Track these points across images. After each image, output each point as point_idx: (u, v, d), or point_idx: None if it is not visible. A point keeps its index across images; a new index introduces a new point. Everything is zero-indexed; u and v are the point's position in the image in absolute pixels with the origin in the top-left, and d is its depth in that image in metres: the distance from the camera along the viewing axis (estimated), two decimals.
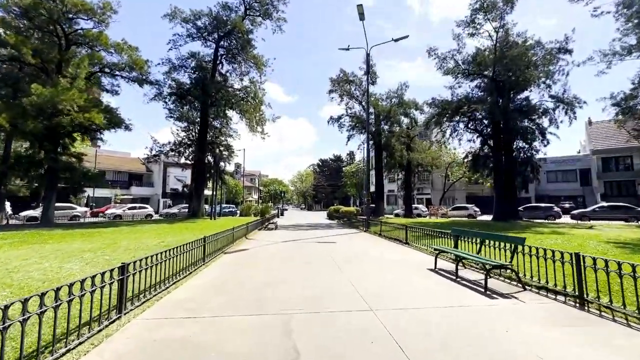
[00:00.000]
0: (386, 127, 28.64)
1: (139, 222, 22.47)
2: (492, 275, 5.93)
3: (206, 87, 24.11)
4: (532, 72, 22.80)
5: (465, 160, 26.16)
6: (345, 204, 77.29)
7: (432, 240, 9.87)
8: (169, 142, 29.74)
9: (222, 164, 29.15)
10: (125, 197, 50.88)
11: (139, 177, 55.35)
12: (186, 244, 6.58)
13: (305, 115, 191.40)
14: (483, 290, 5.08)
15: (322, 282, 5.87)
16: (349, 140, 29.48)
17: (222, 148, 29.37)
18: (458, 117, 24.43)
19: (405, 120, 29.14)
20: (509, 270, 5.60)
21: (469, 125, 24.38)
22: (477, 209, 36.18)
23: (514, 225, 19.17)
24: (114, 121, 19.33)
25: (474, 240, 6.90)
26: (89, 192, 45.61)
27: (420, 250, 9.97)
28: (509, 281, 5.61)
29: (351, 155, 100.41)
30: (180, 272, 6.04)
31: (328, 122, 29.36)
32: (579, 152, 57.81)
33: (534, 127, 23.94)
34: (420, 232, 11.24)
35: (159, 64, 24.93)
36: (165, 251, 5.54)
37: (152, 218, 33.42)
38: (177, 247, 6.07)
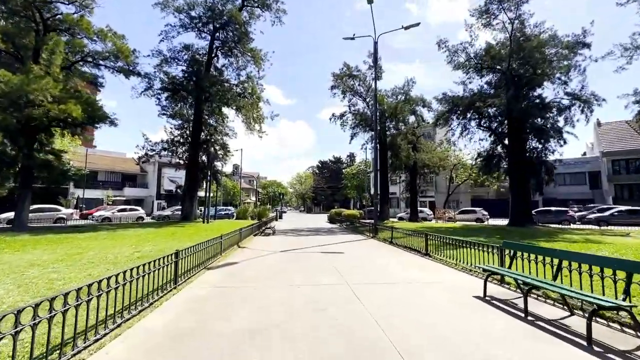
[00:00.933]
0: (391, 125, 26.86)
1: (124, 226, 20.65)
2: (575, 310, 4.19)
3: (200, 81, 22.39)
4: (549, 67, 21.20)
5: (477, 160, 24.45)
6: (345, 206, 75.50)
7: (458, 252, 8.14)
8: (162, 141, 27.98)
9: (217, 163, 27.35)
10: (118, 198, 49.06)
11: (132, 178, 53.54)
12: (150, 263, 4.81)
13: (304, 118, 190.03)
14: (585, 343, 3.32)
15: (335, 322, 4.11)
16: (352, 138, 27.87)
17: (217, 147, 27.60)
18: (469, 114, 22.75)
19: (411, 119, 27.41)
20: (622, 313, 3.84)
21: (482, 123, 22.69)
22: (485, 213, 34.47)
23: (535, 232, 17.44)
24: (96, 115, 17.55)
25: (537, 259, 5.12)
26: (78, 193, 43.90)
27: (447, 265, 8.21)
28: (617, 327, 3.82)
29: (351, 156, 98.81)
30: (129, 309, 4.19)
31: (330, 119, 27.82)
32: (585, 154, 56.32)
33: (549, 125, 22.29)
34: (439, 240, 9.52)
35: (148, 55, 23.24)
36: (117, 274, 3.78)
37: (144, 221, 31.67)
38: (138, 267, 4.32)
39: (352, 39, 17.77)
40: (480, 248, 7.29)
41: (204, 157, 26.60)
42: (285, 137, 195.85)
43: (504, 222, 30.04)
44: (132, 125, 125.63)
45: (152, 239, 12.69)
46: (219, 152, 27.38)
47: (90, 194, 45.70)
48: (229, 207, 43.37)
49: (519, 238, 13.73)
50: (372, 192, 63.50)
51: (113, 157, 55.61)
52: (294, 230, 21.05)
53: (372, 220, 30.07)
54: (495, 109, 20.12)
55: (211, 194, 48.03)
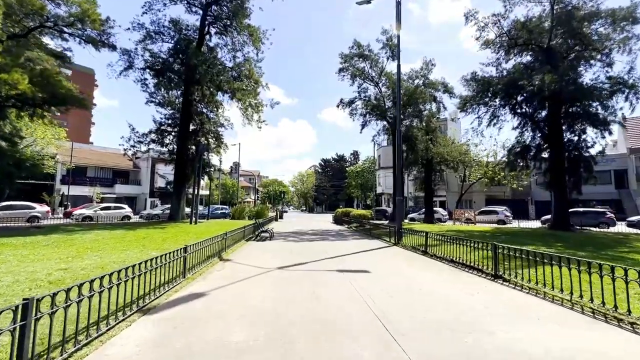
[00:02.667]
0: (408, 113, 23.44)
1: (99, 227, 17.49)
2: None
3: (188, 58, 19.19)
4: (599, 43, 17.89)
5: (510, 152, 21.12)
6: (349, 206, 72.23)
7: (538, 270, 4.97)
8: (150, 132, 24.82)
9: (208, 155, 24.19)
10: (108, 195, 46.03)
11: (124, 175, 50.48)
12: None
13: (306, 117, 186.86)
14: None
15: None
16: (363, 127, 24.54)
17: (210, 138, 24.42)
18: (500, 99, 19.40)
19: (429, 107, 23.97)
20: None
21: (516, 109, 19.36)
22: (508, 213, 31.13)
23: (588, 238, 14.10)
24: (58, 93, 14.37)
25: None
26: (63, 189, 40.87)
27: (550, 300, 4.98)
28: None
29: (355, 154, 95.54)
30: None
31: (338, 106, 24.49)
32: (603, 152, 52.82)
33: (591, 112, 18.94)
34: (505, 251, 6.36)
35: (128, 28, 19.99)
36: None
37: (130, 220, 28.62)
38: None
39: (369, 2, 14.53)
40: (596, 271, 4.08)
41: (194, 150, 23.41)
42: (286, 137, 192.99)
43: (529, 224, 26.73)
44: (134, 125, 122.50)
45: (105, 248, 9.47)
46: (211, 144, 24.19)
47: (78, 190, 42.65)
48: (224, 206, 40.22)
49: (593, 248, 10.47)
50: (378, 190, 60.31)
51: (104, 153, 52.57)
52: (296, 233, 17.84)
53: (383, 222, 27.08)
54: (533, 91, 16.79)
55: (206, 192, 44.69)
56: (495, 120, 20.96)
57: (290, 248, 11.00)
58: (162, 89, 24.66)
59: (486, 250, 7.19)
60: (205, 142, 22.71)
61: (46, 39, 15.80)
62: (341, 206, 49.19)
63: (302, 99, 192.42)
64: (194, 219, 19.69)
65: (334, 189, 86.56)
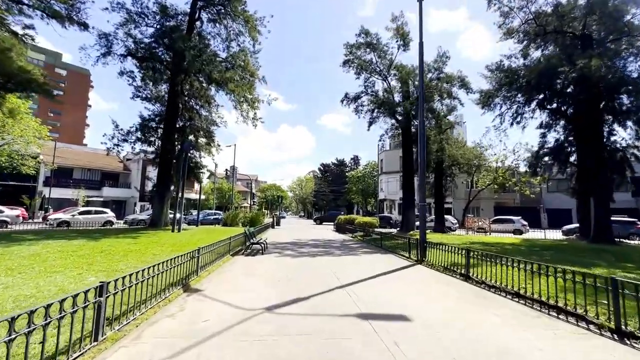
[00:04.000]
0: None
1: (56, 235, 14.92)
2: None
3: (175, 42, 16.83)
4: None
5: (540, 153, 18.74)
6: (349, 212, 69.66)
7: None
8: (136, 129, 22.36)
9: (200, 155, 21.74)
10: (95, 199, 43.38)
11: (114, 177, 47.89)
12: None
13: (305, 123, 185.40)
14: None
15: None
16: (370, 124, 22.04)
17: (199, 135, 21.99)
18: (525, 93, 17.09)
19: (446, 103, 21.51)
20: None
21: (545, 104, 17.03)
22: (524, 222, 28.73)
23: None
24: (12, 74, 11.91)
25: None
26: (46, 192, 38.25)
27: None
28: None
29: (355, 159, 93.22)
30: None
31: (342, 101, 22.13)
32: None
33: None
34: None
35: (106, 8, 17.64)
36: None
37: (112, 226, 26.08)
38: None
39: None
40: None
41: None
42: (285, 142, 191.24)
43: (549, 234, 24.21)
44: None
45: (34, 268, 6.93)
46: (201, 142, 21.73)
47: (62, 193, 39.97)
48: (218, 212, 37.63)
49: None
50: (380, 196, 57.84)
51: (93, 154, 50.02)
52: (294, 243, 15.31)
53: (392, 230, 24.63)
54: (574, 80, 14.50)
55: (200, 196, 41.76)
56: (519, 118, 18.66)
57: (286, 268, 8.47)
58: (149, 81, 22.34)
59: (556, 276, 4.76)
60: (194, 139, 20.25)
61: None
62: (343, 213, 46.71)
63: (301, 105, 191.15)
64: (177, 225, 17.11)
65: (334, 194, 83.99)
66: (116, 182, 47.93)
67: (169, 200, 19.18)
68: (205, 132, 22.29)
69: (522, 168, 38.14)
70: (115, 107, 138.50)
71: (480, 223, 27.70)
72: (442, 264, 8.82)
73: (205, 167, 22.94)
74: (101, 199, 43.91)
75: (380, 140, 23.27)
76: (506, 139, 23.40)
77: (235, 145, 38.52)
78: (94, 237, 13.54)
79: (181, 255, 5.97)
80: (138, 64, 19.28)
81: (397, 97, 21.47)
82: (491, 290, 6.27)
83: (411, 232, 21.00)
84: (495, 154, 32.63)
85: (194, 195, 61.08)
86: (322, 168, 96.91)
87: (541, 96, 16.71)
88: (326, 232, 25.51)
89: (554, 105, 17.03)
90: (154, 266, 4.88)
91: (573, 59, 13.93)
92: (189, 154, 20.55)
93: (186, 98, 22.51)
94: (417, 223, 30.55)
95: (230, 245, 10.42)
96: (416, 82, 20.57)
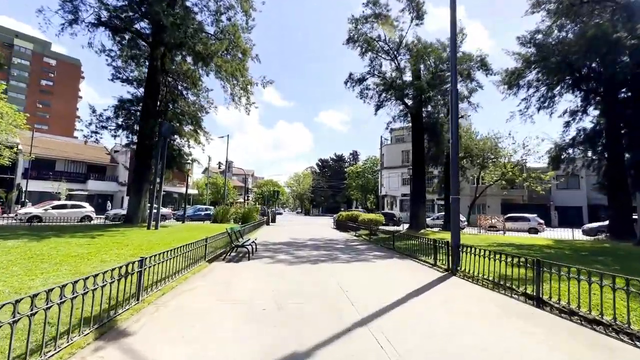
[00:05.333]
0: (433, 92, 18.44)
1: (21, 230, 12.50)
2: None
3: (152, 7, 14.29)
4: None
5: (575, 140, 16.47)
6: (348, 208, 67.45)
7: None
8: (112, 111, 19.87)
9: (180, 141, 19.26)
10: (79, 192, 40.81)
11: (100, 170, 45.27)
12: None
13: (302, 120, 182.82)
14: None
15: None
16: (378, 108, 19.51)
17: (184, 120, 19.52)
18: (555, 71, 14.75)
19: (465, 85, 18.96)
20: None
21: (580, 84, 14.71)
22: (540, 220, 26.62)
23: None
24: None
25: None
26: (31, 184, 35.64)
27: None
28: None
29: (354, 154, 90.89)
30: None
31: (345, 83, 19.65)
32: None
33: None
34: None
35: None
36: None
37: (91, 222, 23.67)
38: None
39: None
40: None
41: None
42: (282, 139, 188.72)
43: (563, 232, 21.92)
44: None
45: None
46: (186, 128, 19.26)
47: (43, 186, 37.32)
48: (210, 207, 35.20)
49: None
50: (381, 192, 55.50)
51: (79, 145, 47.30)
52: (290, 244, 12.96)
53: (396, 228, 22.33)
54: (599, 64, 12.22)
55: (193, 191, 39.79)
56: (546, 103, 16.36)
57: (277, 284, 6.07)
58: (130, 61, 19.79)
59: None
60: (178, 125, 17.77)
61: None
62: (342, 209, 44.43)
63: (298, 102, 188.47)
64: (154, 222, 14.70)
65: (332, 190, 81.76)
66: (103, 175, 45.36)
67: (148, 193, 16.73)
68: (191, 118, 19.79)
69: (532, 163, 35.99)
70: (110, 102, 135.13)
71: (493, 221, 25.52)
72: (488, 276, 6.52)
73: (190, 157, 20.47)
74: (85, 193, 41.39)
75: (387, 128, 20.95)
76: (532, 124, 20.77)
77: (228, 136, 35.94)
78: (44, 235, 11.11)
79: (107, 272, 3.62)
80: (111, 36, 16.74)
81: (407, 78, 19.07)
82: (608, 333, 3.94)
83: (422, 231, 18.76)
84: (505, 147, 30.24)
85: (190, 191, 58.61)
86: (320, 164, 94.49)
87: (574, 76, 14.38)
88: (325, 229, 23.19)
89: (590, 85, 14.70)
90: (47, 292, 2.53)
91: (631, 26, 11.58)
92: (171, 142, 18.10)
93: (169, 78, 19.98)
94: (429, 220, 28.39)
95: (206, 248, 8.04)
96: (429, 62, 18.18)
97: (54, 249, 8.36)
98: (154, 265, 5.07)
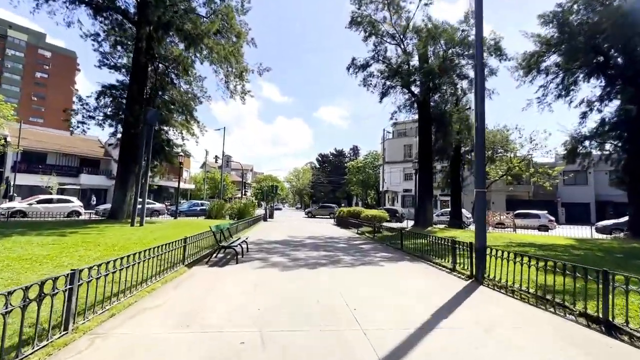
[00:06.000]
0: (440, 80, 17.02)
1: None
2: None
3: None
4: None
5: (597, 131, 15.19)
6: (349, 204, 66.28)
7: None
8: (99, 101, 18.60)
9: (170, 131, 17.94)
10: (70, 187, 39.60)
11: (94, 163, 43.94)
12: None
13: (302, 116, 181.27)
14: None
15: None
16: (383, 96, 18.10)
17: (174, 108, 18.19)
18: (580, 53, 13.40)
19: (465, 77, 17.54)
20: None
21: (607, 68, 13.38)
22: (551, 217, 25.40)
23: None
24: None
25: None
26: (19, 178, 34.37)
27: None
28: None
29: (355, 149, 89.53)
30: None
31: (348, 69, 18.22)
32: None
33: None
34: None
35: None
36: None
37: (79, 217, 22.54)
38: None
39: None
40: None
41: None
42: (282, 135, 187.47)
43: (574, 230, 20.64)
44: None
45: None
46: (177, 118, 17.95)
47: (32, 180, 36.06)
48: (206, 202, 33.95)
49: None
50: (382, 187, 54.21)
51: (73, 138, 46.01)
52: (287, 242, 11.73)
53: (400, 225, 20.98)
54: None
55: (190, 185, 38.85)
56: (564, 91, 15.04)
57: (265, 300, 4.79)
58: (118, 46, 18.42)
59: None
60: (166, 111, 16.44)
61: None
62: (343, 205, 43.24)
63: (297, 98, 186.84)
64: (140, 218, 13.45)
65: (332, 185, 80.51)
66: (96, 168, 44.05)
67: (134, 186, 15.45)
68: (182, 106, 18.45)
69: (538, 158, 34.75)
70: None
71: (502, 218, 24.29)
72: (522, 286, 5.30)
73: (181, 147, 19.15)
74: (78, 187, 40.22)
75: (392, 118, 19.36)
76: (550, 113, 19.29)
77: (224, 128, 34.57)
78: (8, 232, 9.86)
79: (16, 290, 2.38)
80: (93, 14, 15.35)
81: (412, 63, 17.67)
82: None
83: (429, 228, 17.54)
84: (513, 141, 28.96)
85: (182, 185, 57.29)
86: (319, 159, 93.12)
87: (599, 60, 13.02)
88: (325, 226, 21.98)
89: (613, 71, 13.33)
90: None
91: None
92: (160, 131, 16.79)
93: (159, 64, 18.62)
94: (436, 217, 27.13)
95: (185, 250, 6.79)
96: (439, 45, 16.77)
97: (8, 250, 7.12)
98: (105, 275, 3.82)
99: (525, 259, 5.53)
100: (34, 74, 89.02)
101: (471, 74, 18.30)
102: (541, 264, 5.18)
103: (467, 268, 7.00)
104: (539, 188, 40.34)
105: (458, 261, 7.43)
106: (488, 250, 6.50)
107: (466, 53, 16.69)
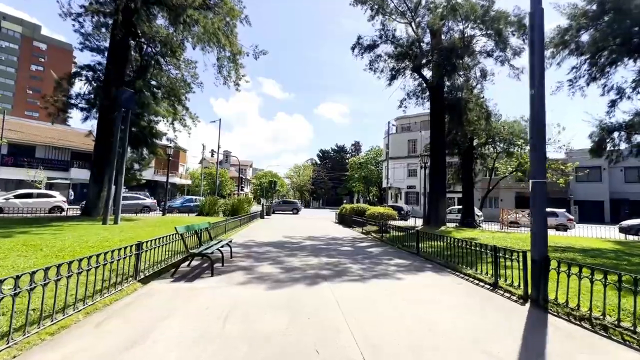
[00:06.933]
0: (457, 65, 15.05)
1: None
2: None
3: None
4: None
5: (635, 120, 13.39)
6: (350, 201, 64.54)
7: None
8: (71, 83, 16.91)
9: (157, 121, 16.15)
10: (60, 181, 38.00)
11: (86, 157, 42.07)
12: None
13: (302, 112, 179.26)
14: None
15: None
16: (392, 79, 16.18)
17: (159, 94, 16.41)
18: (622, 32, 11.59)
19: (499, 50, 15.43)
20: None
21: None
22: (570, 216, 23.60)
23: None
24: None
25: None
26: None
27: None
28: None
29: (356, 145, 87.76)
30: None
31: (352, 49, 16.25)
32: None
33: None
34: None
35: None
36: None
37: (62, 213, 21.03)
38: None
39: None
40: None
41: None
42: (282, 131, 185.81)
43: (595, 230, 18.94)
44: None
45: None
46: (162, 105, 16.18)
47: (20, 173, 34.45)
48: (200, 198, 32.24)
49: None
50: (384, 184, 52.35)
51: (63, 131, 44.46)
52: (283, 245, 9.98)
53: (406, 223, 19.16)
54: None
55: (186, 181, 37.57)
56: (601, 72, 13.20)
57: (230, 353, 3.08)
58: (100, 27, 16.62)
59: None
60: (149, 94, 14.63)
61: None
62: (345, 201, 41.49)
63: (298, 94, 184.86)
64: (115, 215, 11.71)
65: (333, 182, 78.80)
66: (89, 162, 42.23)
67: (111, 177, 13.66)
68: (168, 92, 16.64)
69: (550, 154, 32.89)
70: None
71: (518, 216, 22.50)
72: (620, 321, 3.56)
73: (166, 136, 17.33)
74: (68, 182, 38.57)
75: (400, 106, 17.40)
76: (583, 98, 17.33)
77: (220, 120, 32.76)
78: None
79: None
80: None
81: (423, 44, 15.76)
82: None
83: (443, 228, 15.76)
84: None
85: (178, 180, 55.54)
86: (320, 154, 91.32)
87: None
88: (327, 224, 20.23)
89: None
90: None
91: None
92: (142, 118, 14.99)
93: (143, 43, 16.80)
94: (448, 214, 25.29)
95: (139, 258, 5.03)
96: (457, 21, 14.83)
97: None
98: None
99: (599, 275, 3.85)
100: (29, 66, 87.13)
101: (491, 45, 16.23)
102: (613, 278, 3.49)
103: (517, 285, 5.26)
104: (550, 185, 38.51)
105: (501, 273, 5.69)
106: (573, 269, 4.79)
107: (485, 33, 14.76)
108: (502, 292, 5.30)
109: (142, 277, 5.15)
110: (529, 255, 5.08)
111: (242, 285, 5.21)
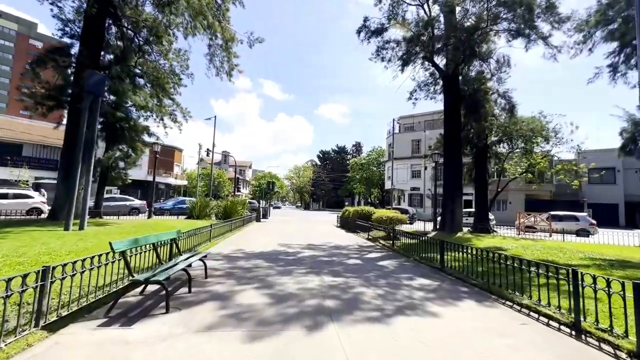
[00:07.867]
0: (475, 50, 13.31)
1: None
2: None
3: None
4: None
5: None
6: (351, 203, 62.75)
7: None
8: (34, 70, 15.30)
9: (141, 114, 14.43)
10: (48, 181, 36.18)
11: None
12: None
13: (303, 113, 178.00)
14: None
15: None
16: (405, 65, 14.25)
17: (140, 82, 14.72)
18: None
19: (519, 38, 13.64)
20: None
21: None
22: (592, 221, 21.77)
23: None
24: None
25: None
26: None
27: None
28: None
29: (357, 146, 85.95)
30: None
31: (358, 33, 14.38)
32: None
33: None
34: None
35: None
36: None
37: (41, 215, 19.53)
38: None
39: None
40: None
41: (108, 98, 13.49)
42: (282, 132, 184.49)
43: (617, 235, 17.13)
44: None
45: None
46: (140, 85, 14.48)
47: (6, 173, 32.82)
48: (193, 200, 30.44)
49: None
50: (387, 185, 50.52)
51: (50, 128, 42.57)
52: (276, 256, 8.24)
53: (413, 228, 17.25)
54: None
55: (182, 182, 36.00)
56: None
57: None
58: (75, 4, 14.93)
59: None
60: (128, 82, 12.88)
61: None
62: (347, 203, 39.74)
63: (299, 95, 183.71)
64: (84, 219, 9.97)
65: (333, 183, 77.01)
66: None
67: (81, 177, 11.91)
68: (152, 80, 14.93)
69: (562, 154, 31.07)
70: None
71: (537, 220, 20.71)
72: None
73: (146, 131, 15.47)
74: (54, 182, 36.76)
75: (410, 98, 15.55)
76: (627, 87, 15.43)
77: (215, 117, 31.05)
78: None
79: None
80: None
81: (436, 29, 14.01)
82: None
83: (459, 235, 13.98)
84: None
85: (173, 181, 53.78)
86: (321, 155, 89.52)
87: None
88: (328, 229, 18.48)
89: None
90: None
91: None
92: (119, 108, 13.23)
93: (125, 27, 15.09)
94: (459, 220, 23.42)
95: (42, 291, 3.28)
96: (474, 3, 13.11)
97: None
98: None
99: None
100: (24, 65, 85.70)
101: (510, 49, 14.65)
102: None
103: (617, 331, 3.50)
104: (562, 187, 36.75)
105: (546, 293, 3.96)
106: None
107: (509, 16, 12.99)
108: (591, 338, 3.55)
109: (56, 318, 3.40)
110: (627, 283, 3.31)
111: (207, 332, 3.45)
